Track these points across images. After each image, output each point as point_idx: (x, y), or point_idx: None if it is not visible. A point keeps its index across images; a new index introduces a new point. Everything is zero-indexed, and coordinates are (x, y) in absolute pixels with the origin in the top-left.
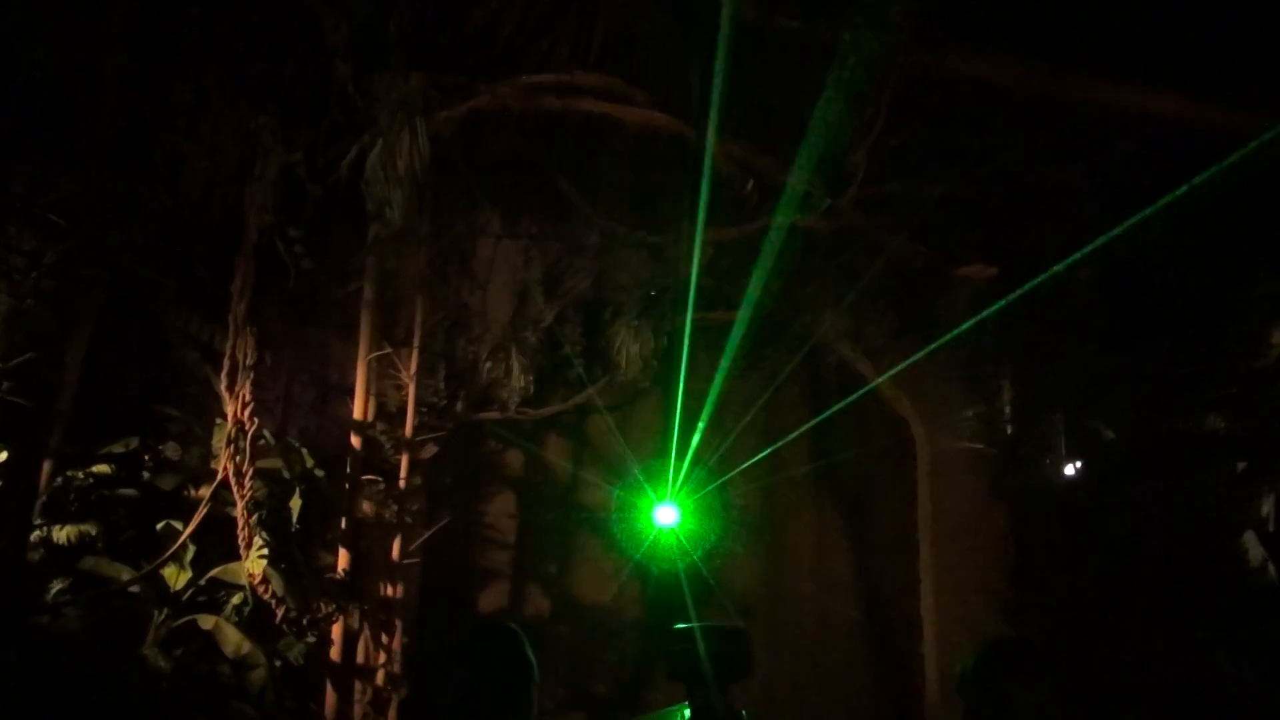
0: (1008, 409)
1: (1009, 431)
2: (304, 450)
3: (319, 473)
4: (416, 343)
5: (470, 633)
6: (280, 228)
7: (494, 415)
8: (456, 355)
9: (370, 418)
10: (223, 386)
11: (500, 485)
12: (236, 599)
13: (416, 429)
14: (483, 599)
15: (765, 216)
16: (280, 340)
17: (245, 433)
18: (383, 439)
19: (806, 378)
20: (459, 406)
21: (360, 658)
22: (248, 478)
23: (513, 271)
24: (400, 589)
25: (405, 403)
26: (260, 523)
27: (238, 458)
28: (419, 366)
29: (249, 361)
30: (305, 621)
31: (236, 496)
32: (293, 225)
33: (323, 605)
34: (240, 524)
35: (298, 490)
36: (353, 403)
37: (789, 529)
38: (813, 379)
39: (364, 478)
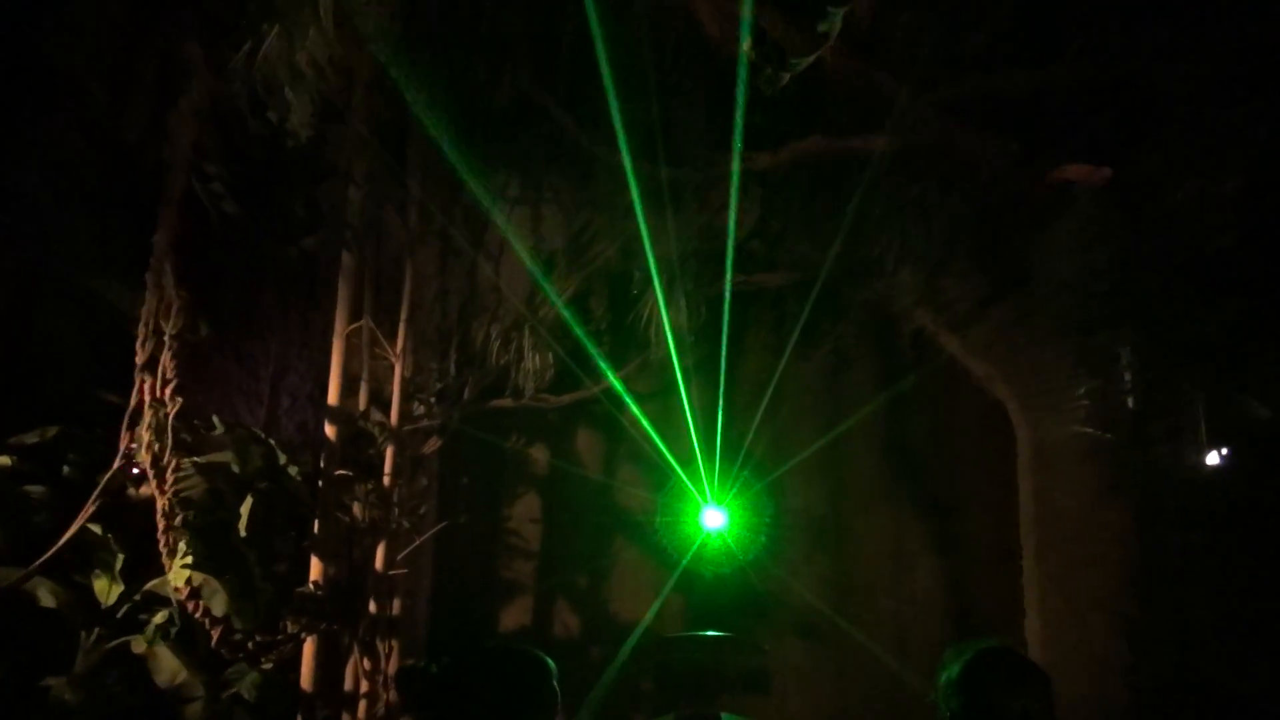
0: (1129, 383)
1: (1132, 411)
2: (272, 442)
3: (293, 470)
4: (403, 315)
5: (488, 658)
6: (200, 167)
7: (506, 403)
8: (471, 335)
9: (365, 405)
10: (138, 359)
11: (524, 485)
12: (160, 617)
13: (417, 418)
14: (504, 616)
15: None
16: (269, 320)
17: (166, 415)
18: (375, 431)
19: (878, 355)
20: (466, 393)
21: (349, 685)
22: (170, 470)
23: (533, 239)
24: (398, 605)
25: (413, 386)
26: (188, 525)
27: (155, 446)
28: (416, 346)
29: (172, 329)
30: (251, 645)
31: (155, 493)
32: (214, 162)
33: (289, 625)
34: (160, 526)
35: (254, 488)
36: (357, 392)
37: (860, 536)
38: (885, 356)
39: (338, 473)
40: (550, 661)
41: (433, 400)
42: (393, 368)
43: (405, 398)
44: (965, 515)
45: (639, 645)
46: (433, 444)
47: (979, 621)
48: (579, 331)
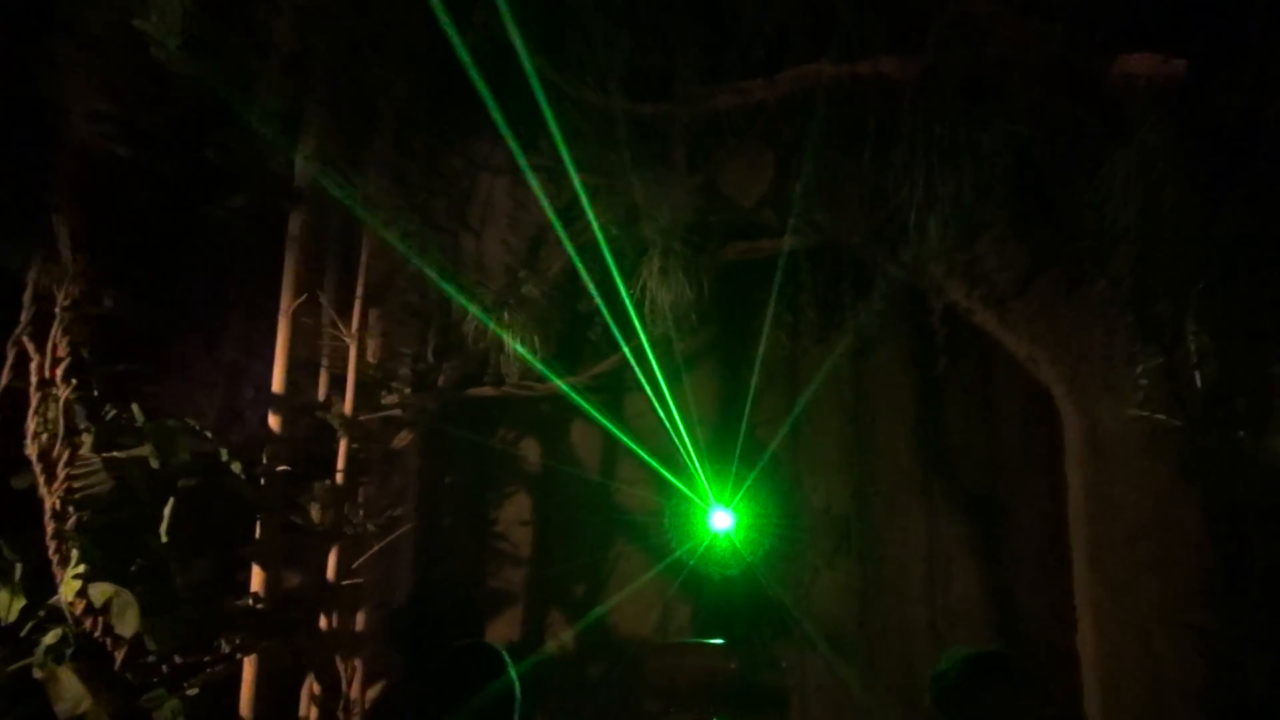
0: (1200, 357)
1: (1204, 391)
2: (209, 435)
3: (236, 467)
4: (359, 291)
5: (445, 655)
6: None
7: (488, 391)
8: (452, 318)
9: (324, 394)
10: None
11: (515, 484)
12: (50, 636)
13: (385, 409)
14: (492, 629)
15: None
16: (228, 297)
17: (55, 399)
18: (335, 422)
19: (906, 336)
20: (442, 380)
21: (304, 711)
22: (61, 465)
23: (521, 210)
24: (362, 619)
25: (382, 372)
26: (86, 528)
27: (43, 436)
28: (387, 329)
29: (65, 299)
30: (166, 669)
31: (44, 491)
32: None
33: (224, 643)
34: (48, 530)
35: (181, 487)
36: (319, 380)
37: (890, 537)
38: (914, 337)
39: (280, 469)
40: (505, 654)
41: (408, 390)
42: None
43: (372, 385)
44: (1007, 514)
45: (632, 654)
46: (404, 438)
47: (1024, 633)
48: (573, 312)
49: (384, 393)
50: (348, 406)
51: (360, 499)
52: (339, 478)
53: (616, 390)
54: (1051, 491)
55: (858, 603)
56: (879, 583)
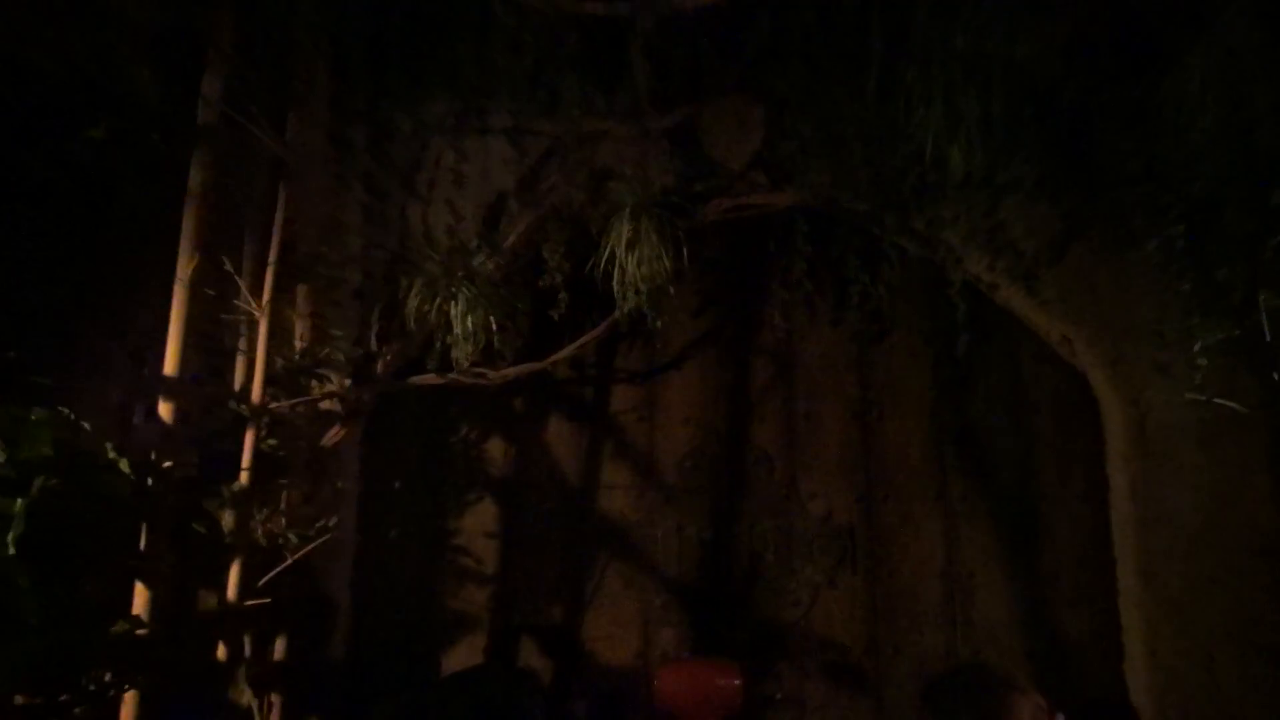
0: (1270, 330)
1: (1277, 371)
2: (86, 426)
3: (124, 465)
4: (272, 255)
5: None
6: None
7: (431, 379)
8: (398, 298)
9: (241, 380)
10: None
11: (477, 490)
12: None
13: (315, 400)
14: (450, 658)
15: None
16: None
17: None
18: (246, 413)
19: (919, 317)
20: (380, 366)
21: None
22: None
23: (480, 179)
24: (281, 648)
25: (311, 358)
26: None
27: None
28: (318, 308)
29: None
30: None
31: None
32: None
33: (94, 678)
34: None
35: (36, 487)
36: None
37: (904, 549)
38: (929, 318)
39: (165, 465)
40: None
41: (343, 379)
42: (274, 330)
43: (300, 372)
44: (1037, 521)
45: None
46: (335, 434)
47: (1060, 658)
48: (535, 289)
49: (314, 381)
50: (255, 393)
51: (283, 505)
52: (244, 477)
53: (610, 386)
54: (1091, 494)
55: (865, 621)
56: (891, 600)
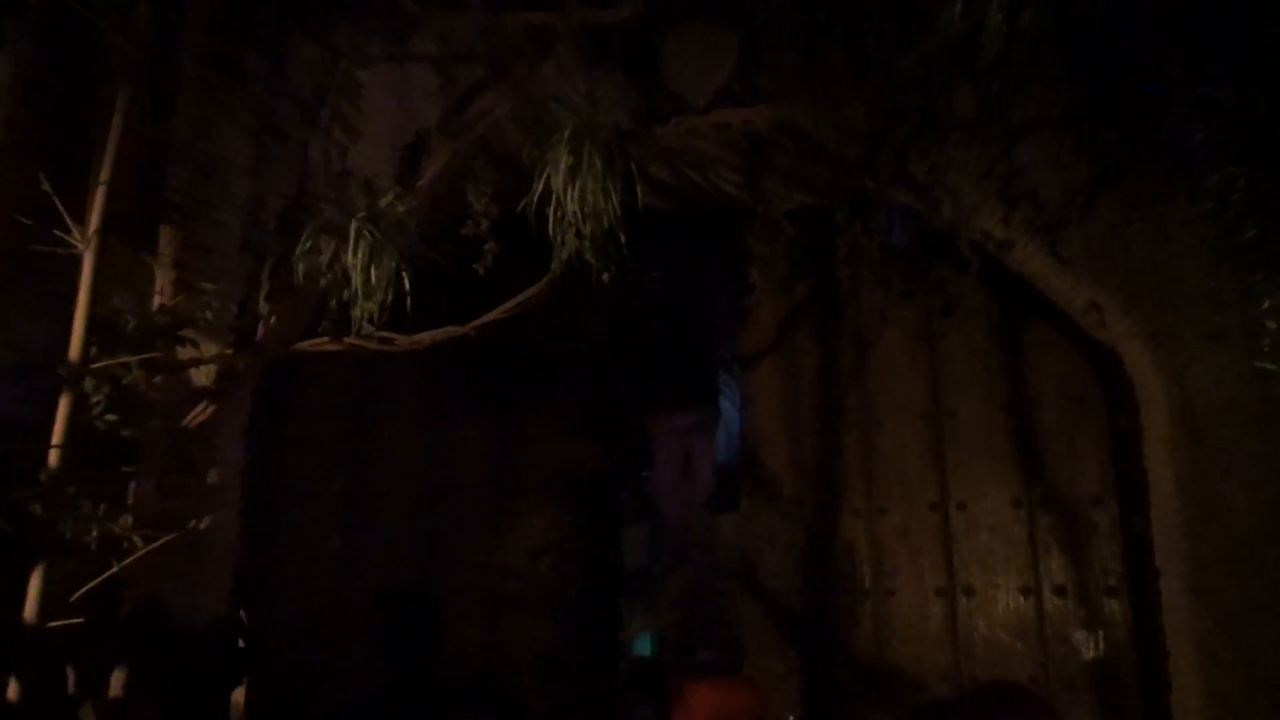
0: None
1: None
2: None
3: None
4: (104, 177)
5: None
6: None
7: (324, 344)
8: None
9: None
10: None
11: (392, 479)
12: None
13: (174, 369)
14: (361, 678)
15: None
16: None
17: None
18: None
19: (921, 281)
20: (261, 330)
21: None
22: None
23: (398, 114)
24: (119, 679)
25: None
26: None
27: None
28: (184, 257)
29: None
30: None
31: None
32: None
33: None
34: None
35: None
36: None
37: (901, 562)
38: (932, 285)
39: None
40: None
41: (217, 346)
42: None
43: (159, 334)
44: (1058, 529)
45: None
46: (201, 412)
47: (1087, 689)
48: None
49: (179, 347)
50: (74, 349)
51: (132, 500)
52: (53, 458)
53: (525, 350)
54: (1121, 492)
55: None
56: (890, 620)
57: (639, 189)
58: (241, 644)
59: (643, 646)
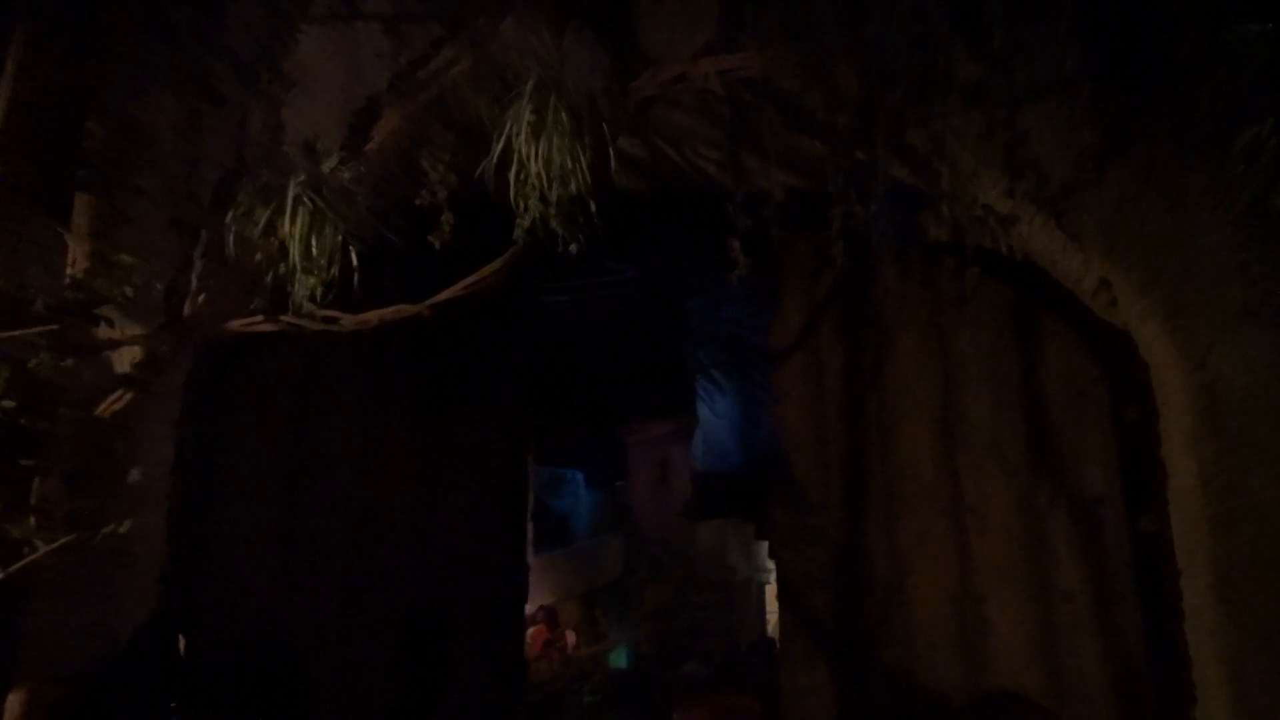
0: None
1: None
2: None
3: None
4: None
5: None
6: None
7: (260, 323)
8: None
9: None
10: None
11: (341, 478)
12: None
13: (90, 349)
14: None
15: None
16: None
17: None
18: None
19: (934, 269)
20: (188, 307)
21: None
22: None
23: (347, 78)
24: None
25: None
26: None
27: None
28: (102, 226)
29: None
30: None
31: None
32: None
33: None
34: None
35: None
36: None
37: (897, 566)
38: (920, 266)
39: None
40: None
41: (141, 327)
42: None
43: (57, 306)
44: (1066, 531)
45: None
46: (117, 400)
47: (1101, 701)
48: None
49: (95, 327)
50: None
51: (35, 499)
52: None
53: (487, 333)
54: (1131, 491)
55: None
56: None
57: (611, 154)
58: (171, 663)
59: (618, 660)
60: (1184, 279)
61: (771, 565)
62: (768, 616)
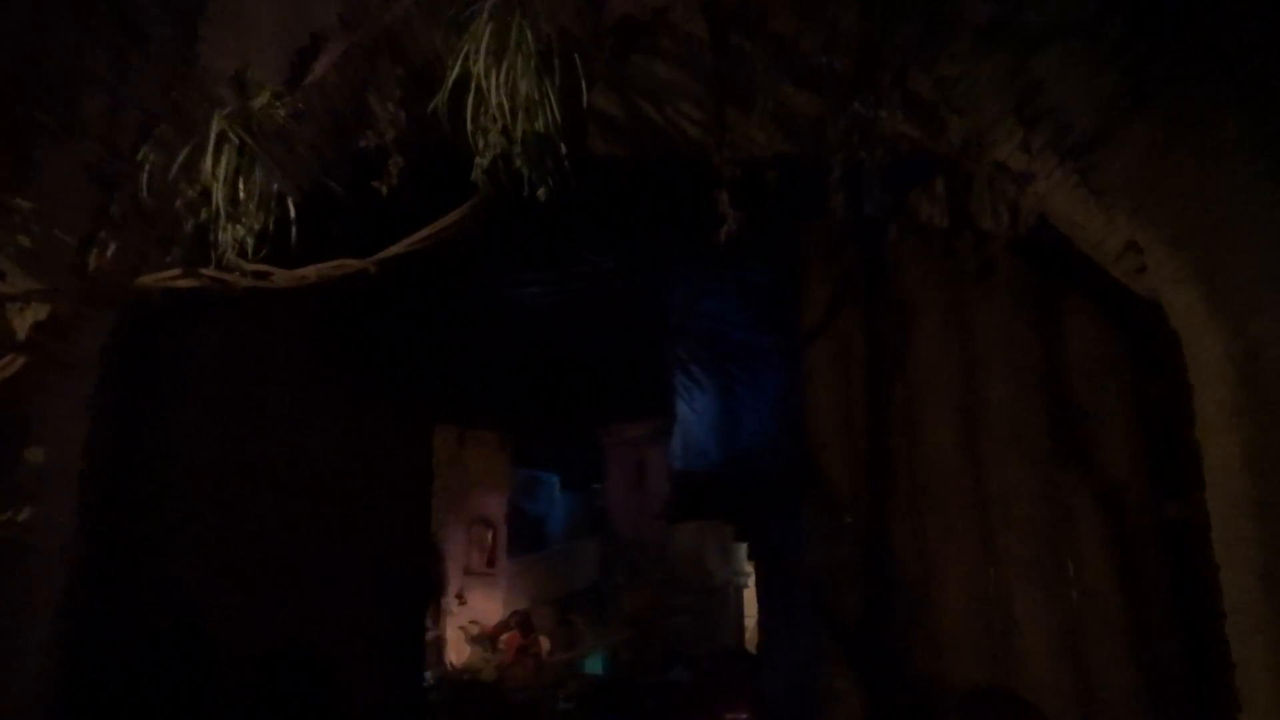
0: None
1: None
2: None
3: None
4: None
5: None
6: None
7: (177, 277)
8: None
9: None
10: None
11: (268, 477)
12: None
13: None
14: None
15: None
16: None
17: None
18: None
19: (936, 235)
20: (94, 261)
21: None
22: None
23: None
24: None
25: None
26: None
27: None
28: None
29: None
30: None
31: None
32: None
33: None
34: None
35: None
36: None
37: (944, 573)
38: (946, 239)
39: None
40: None
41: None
42: None
43: None
44: (1090, 522)
45: None
46: (8, 367)
47: (1131, 705)
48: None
49: None
50: None
51: None
52: None
53: (441, 293)
54: (1158, 475)
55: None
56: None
57: (584, 91)
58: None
59: (593, 666)
60: (1220, 238)
61: (749, 569)
62: (746, 621)
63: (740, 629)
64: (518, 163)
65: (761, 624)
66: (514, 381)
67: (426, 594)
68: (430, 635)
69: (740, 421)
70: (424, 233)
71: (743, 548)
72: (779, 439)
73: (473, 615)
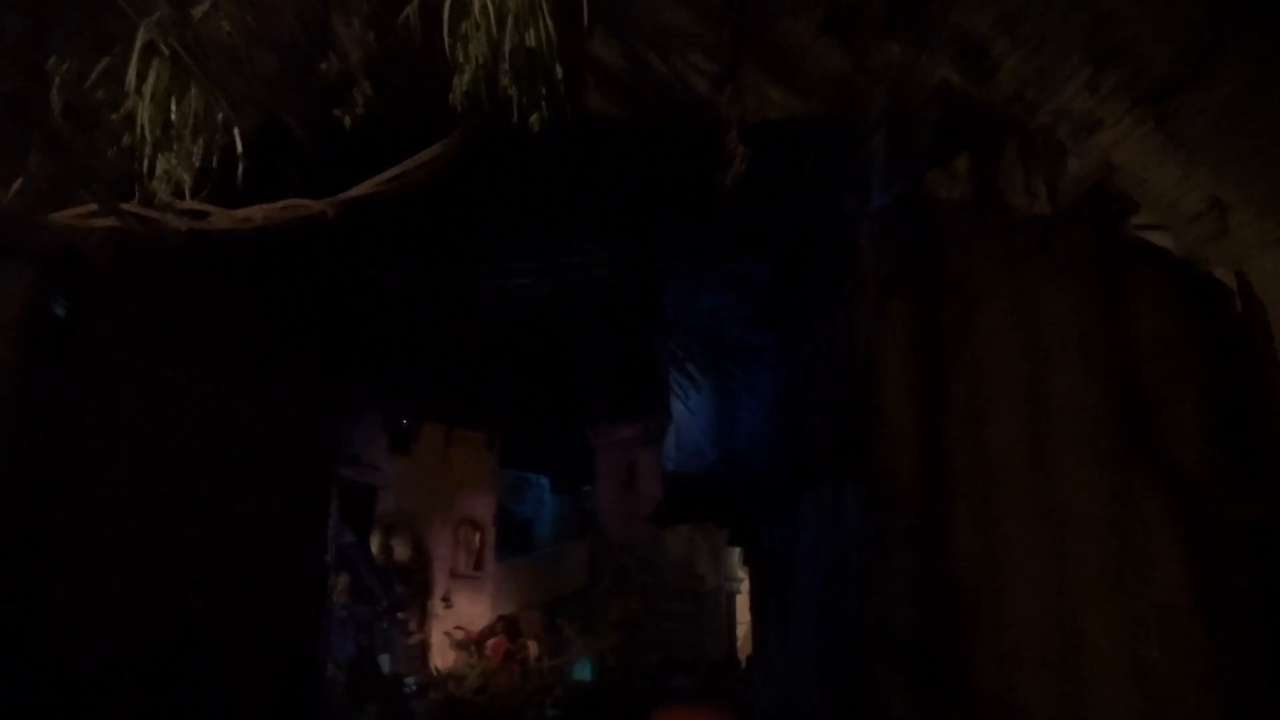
0: None
1: None
2: None
3: None
4: None
5: None
6: None
7: (94, 213)
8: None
9: None
10: None
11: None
12: None
13: None
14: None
15: None
16: None
17: None
18: None
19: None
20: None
21: None
22: None
23: None
24: None
25: None
26: None
27: None
28: None
29: None
30: None
31: None
32: None
33: None
34: None
35: None
36: None
37: (1010, 584)
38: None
39: None
40: None
41: None
42: None
43: None
44: (1165, 525)
45: None
46: None
47: None
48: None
49: None
50: None
51: None
52: None
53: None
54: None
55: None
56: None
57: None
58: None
59: (581, 672)
60: None
61: (743, 574)
62: (737, 628)
63: (732, 636)
64: (504, 83)
65: (756, 631)
66: (501, 378)
67: (324, 584)
68: (415, 639)
69: (736, 421)
70: (394, 170)
71: (735, 552)
72: (777, 440)
73: (459, 619)
